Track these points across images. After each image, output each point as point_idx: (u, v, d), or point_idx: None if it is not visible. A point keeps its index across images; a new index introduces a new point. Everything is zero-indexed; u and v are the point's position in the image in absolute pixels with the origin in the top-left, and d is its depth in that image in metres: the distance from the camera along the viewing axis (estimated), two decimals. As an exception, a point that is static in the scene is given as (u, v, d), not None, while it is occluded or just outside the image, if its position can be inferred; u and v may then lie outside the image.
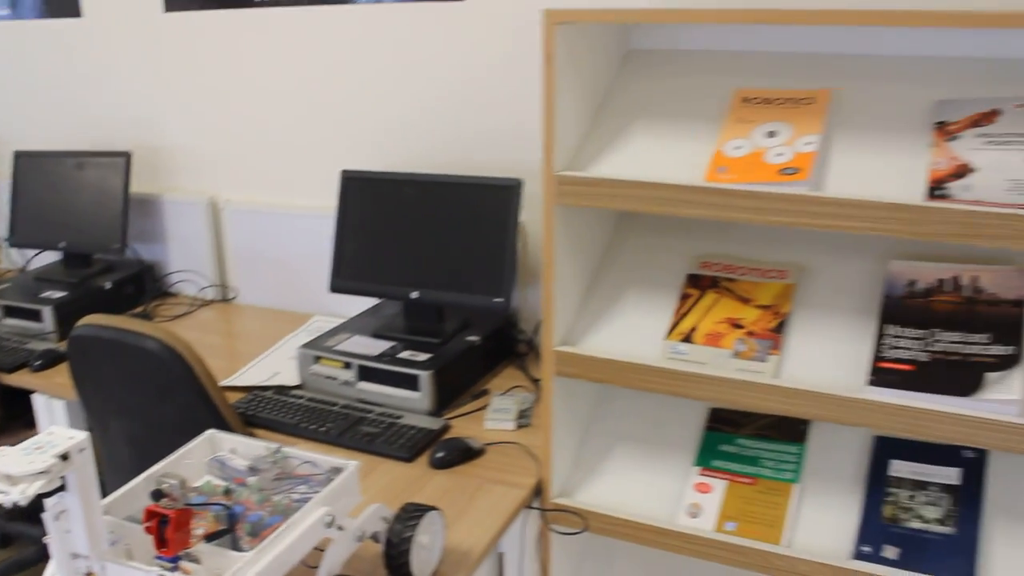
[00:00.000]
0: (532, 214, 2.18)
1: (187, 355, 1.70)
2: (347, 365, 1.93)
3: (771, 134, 1.48)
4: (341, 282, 2.15)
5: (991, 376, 1.39)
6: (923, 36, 1.57)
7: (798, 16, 1.35)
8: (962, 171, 1.37)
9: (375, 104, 2.33)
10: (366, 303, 2.28)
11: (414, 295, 2.05)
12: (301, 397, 1.93)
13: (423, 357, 1.91)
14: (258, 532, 1.22)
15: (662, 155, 1.54)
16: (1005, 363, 1.39)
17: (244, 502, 1.26)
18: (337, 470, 1.30)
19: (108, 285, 2.49)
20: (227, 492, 1.28)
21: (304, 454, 1.34)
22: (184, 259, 2.69)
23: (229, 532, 1.19)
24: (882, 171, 1.42)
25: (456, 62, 2.19)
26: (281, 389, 1.97)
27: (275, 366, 2.12)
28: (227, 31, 2.46)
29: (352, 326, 2.11)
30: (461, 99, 2.21)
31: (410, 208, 2.07)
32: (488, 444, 1.75)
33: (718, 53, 1.69)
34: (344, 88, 2.35)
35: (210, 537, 1.16)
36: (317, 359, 1.97)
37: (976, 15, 1.27)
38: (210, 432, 1.40)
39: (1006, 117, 1.42)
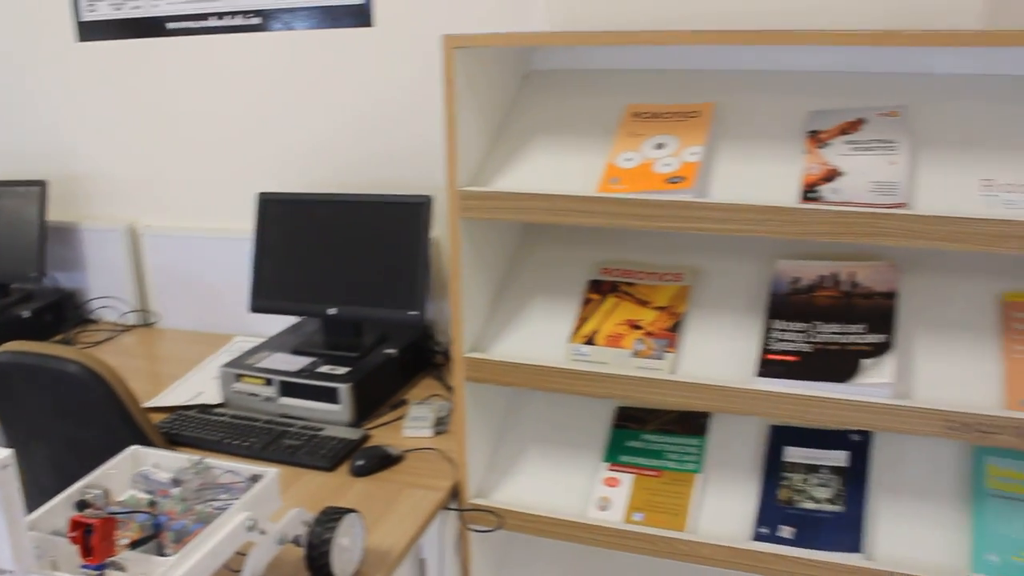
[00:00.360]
0: (444, 229, 2.26)
1: (109, 377, 1.74)
2: (268, 382, 1.98)
3: (659, 146, 1.58)
4: (261, 302, 2.20)
5: (866, 362, 1.50)
6: (797, 53, 1.70)
7: (684, 37, 1.46)
8: (832, 175, 1.49)
9: (289, 127, 2.39)
10: (286, 321, 2.33)
11: (332, 311, 2.11)
12: (224, 415, 1.97)
13: (342, 371, 1.97)
14: (182, 539, 1.26)
15: (560, 169, 1.63)
16: (878, 350, 1.51)
17: (168, 512, 1.31)
18: (257, 477, 1.36)
19: (27, 314, 2.50)
20: (151, 504, 1.32)
21: (226, 464, 1.39)
22: (104, 286, 2.70)
23: (154, 539, 1.23)
24: (761, 177, 1.53)
25: (367, 85, 2.27)
26: (204, 408, 2.01)
27: (198, 386, 2.16)
28: (141, 59, 2.50)
29: (273, 344, 2.16)
30: (372, 120, 2.29)
31: (326, 227, 2.13)
32: (407, 451, 1.82)
33: (612, 71, 1.79)
34: (259, 112, 2.41)
35: (135, 544, 1.21)
36: (239, 377, 2.01)
37: (843, 34, 1.39)
38: (133, 448, 1.44)
39: (870, 125, 1.55)
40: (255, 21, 2.33)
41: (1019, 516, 1.56)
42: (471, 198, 1.57)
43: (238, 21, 2.36)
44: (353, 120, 2.31)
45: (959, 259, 1.65)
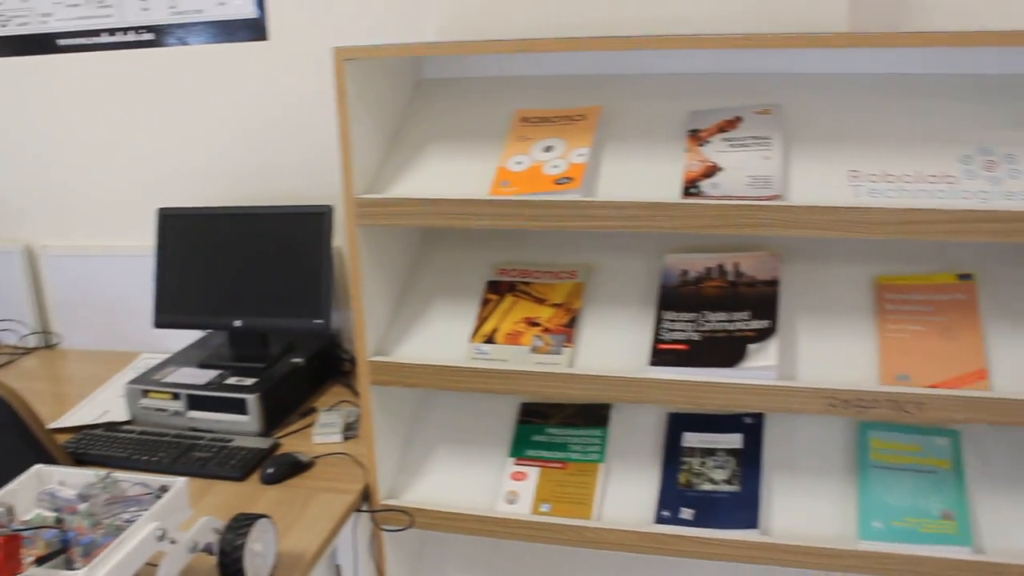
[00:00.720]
0: (345, 238, 2.29)
1: (10, 399, 1.72)
2: (175, 396, 1.98)
3: (548, 149, 1.65)
4: (165, 317, 2.20)
5: (752, 347, 1.59)
6: (677, 56, 1.78)
7: (569, 44, 1.52)
8: (711, 171, 1.57)
9: (188, 142, 2.38)
10: (192, 336, 2.33)
11: (237, 323, 2.12)
12: (132, 431, 1.96)
13: (250, 382, 1.98)
14: (91, 553, 1.27)
15: (454, 174, 1.68)
16: (763, 335, 1.60)
17: (76, 528, 1.31)
18: (166, 488, 1.37)
19: (-79, 341, 2.45)
20: (59, 521, 1.32)
21: (133, 476, 1.40)
22: (2, 309, 2.65)
23: (61, 554, 1.24)
24: (645, 175, 1.61)
25: (264, 98, 2.28)
26: (111, 425, 2.00)
27: (104, 405, 2.15)
28: (32, 77, 2.46)
29: (179, 359, 2.15)
30: (272, 133, 2.30)
31: (228, 241, 2.14)
32: (317, 457, 1.84)
33: (501, 78, 1.85)
34: (156, 128, 2.40)
35: (41, 560, 1.21)
36: (146, 393, 2.01)
37: (719, 38, 1.47)
38: (36, 467, 1.44)
39: (746, 123, 1.63)
40: (148, 37, 2.33)
41: (900, 484, 1.66)
42: (367, 205, 1.61)
43: (131, 37, 2.35)
44: (252, 133, 2.32)
45: (834, 246, 1.75)
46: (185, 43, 2.30)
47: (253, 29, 2.23)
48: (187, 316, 2.18)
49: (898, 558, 1.57)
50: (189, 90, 2.34)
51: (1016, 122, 1.58)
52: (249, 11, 2.22)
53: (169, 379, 2.03)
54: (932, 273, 1.68)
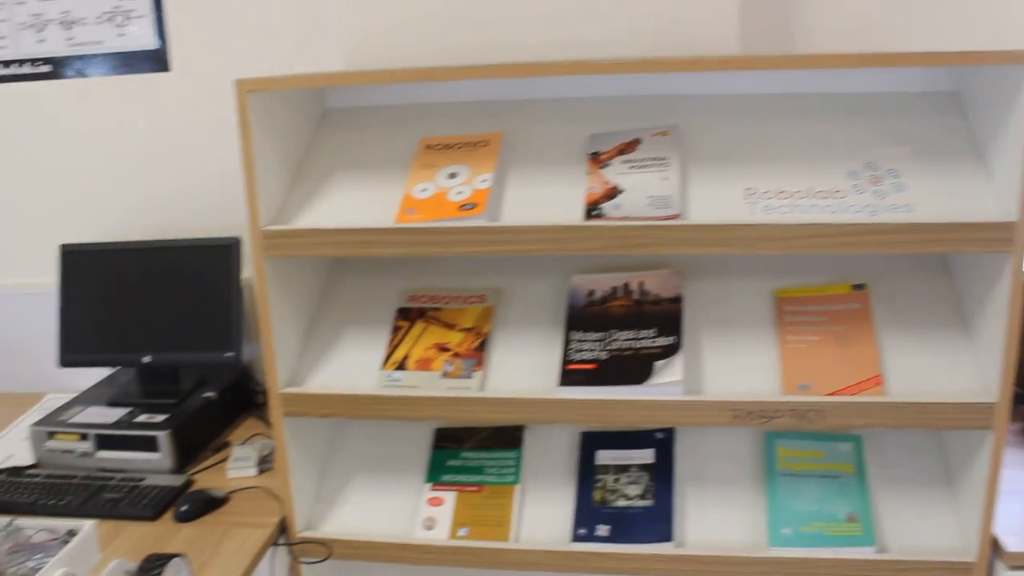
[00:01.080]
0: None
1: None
2: (84, 436, 1.94)
3: (452, 175, 1.67)
4: (71, 356, 2.16)
5: (658, 364, 1.63)
6: (577, 81, 1.82)
7: (471, 72, 1.55)
8: (612, 193, 1.60)
9: (90, 176, 2.34)
10: (100, 374, 2.28)
11: (147, 359, 2.09)
12: (37, 475, 1.91)
13: (161, 418, 1.95)
14: (-7, 605, 1.25)
15: (360, 203, 1.69)
16: (668, 351, 1.64)
17: (-24, 579, 1.28)
18: (73, 532, 1.35)
19: None
20: (-43, 573, 1.30)
21: (38, 522, 1.37)
22: None
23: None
24: (548, 199, 1.64)
25: (168, 130, 2.26)
26: (15, 471, 1.95)
27: (7, 450, 2.09)
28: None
29: (86, 398, 2.11)
30: (177, 164, 2.28)
31: (134, 276, 2.11)
32: (232, 492, 1.82)
33: (405, 106, 1.87)
34: (56, 162, 2.36)
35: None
36: (52, 435, 1.96)
37: (616, 63, 1.52)
38: (-67, 519, 1.40)
39: (645, 145, 1.68)
40: (45, 69, 2.29)
41: (806, 491, 1.71)
42: (274, 237, 1.61)
43: (27, 69, 2.30)
44: (157, 165, 2.30)
45: (734, 262, 1.81)
46: (84, 75, 2.26)
47: (155, 60, 2.21)
48: (94, 354, 2.14)
49: (807, 562, 1.62)
50: (90, 122, 2.30)
51: (898, 138, 1.65)
52: (150, 42, 2.20)
53: (76, 419, 1.99)
54: (828, 285, 1.75)
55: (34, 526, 1.38)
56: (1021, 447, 1.90)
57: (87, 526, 1.35)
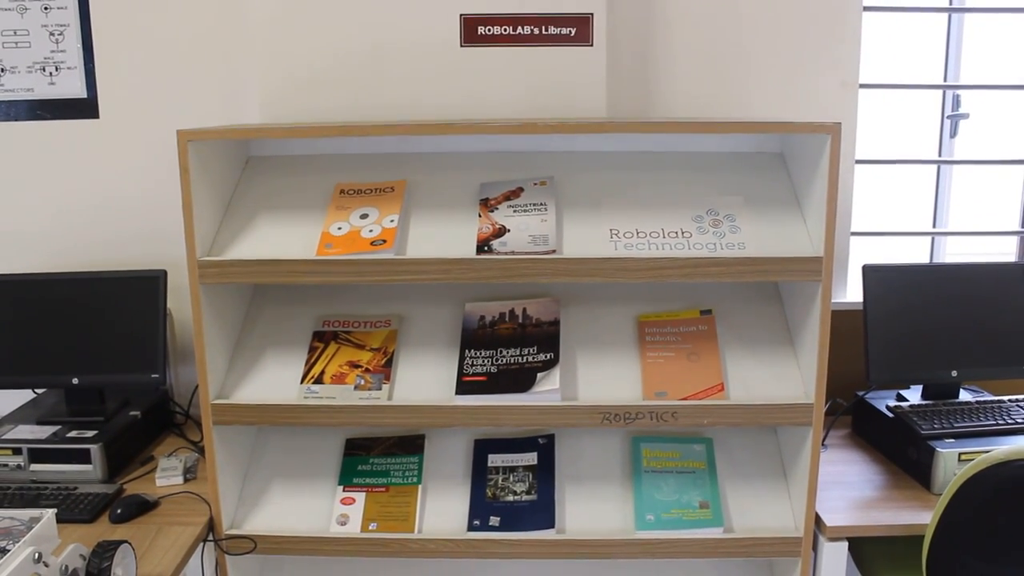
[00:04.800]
0: (177, 302, 2.49)
1: None
2: (16, 451, 2.11)
3: (364, 216, 1.94)
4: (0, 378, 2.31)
5: (540, 375, 1.92)
6: (470, 138, 2.12)
7: (380, 129, 1.83)
8: (500, 232, 1.90)
9: (19, 214, 2.50)
10: (23, 398, 2.43)
11: (75, 381, 2.27)
12: (-28, 489, 2.07)
13: (91, 433, 2.13)
14: (-31, 582, 1.43)
15: (282, 239, 1.94)
16: (548, 365, 1.93)
17: (-50, 564, 1.46)
18: (36, 519, 1.54)
19: None
20: (-68, 559, 1.47)
21: (1, 512, 1.56)
22: None
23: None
24: (446, 237, 1.93)
25: (97, 171, 2.45)
26: (-50, 485, 2.10)
27: (-61, 467, 2.22)
28: None
29: (14, 418, 2.27)
30: (105, 204, 2.47)
31: (65, 303, 2.29)
32: (162, 497, 2.03)
33: (322, 156, 2.13)
34: (-17, 201, 2.51)
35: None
36: (-15, 451, 2.12)
37: (501, 126, 1.82)
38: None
39: (527, 192, 1.99)
40: (-25, 113, 2.46)
41: (666, 484, 2.02)
42: (209, 266, 1.84)
43: (-45, 114, 2.47)
44: (85, 205, 2.48)
45: (603, 290, 2.13)
46: (14, 119, 2.44)
47: (84, 108, 2.41)
48: (22, 377, 2.30)
49: (667, 542, 1.93)
50: (20, 164, 2.47)
51: (734, 189, 2.01)
52: (80, 91, 2.41)
53: (8, 436, 2.15)
54: (681, 310, 2.08)
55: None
56: (844, 449, 2.27)
57: (48, 513, 1.55)
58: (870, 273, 2.23)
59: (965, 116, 2.87)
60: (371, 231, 1.90)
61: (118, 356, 2.27)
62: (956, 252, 2.99)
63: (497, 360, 1.96)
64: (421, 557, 1.97)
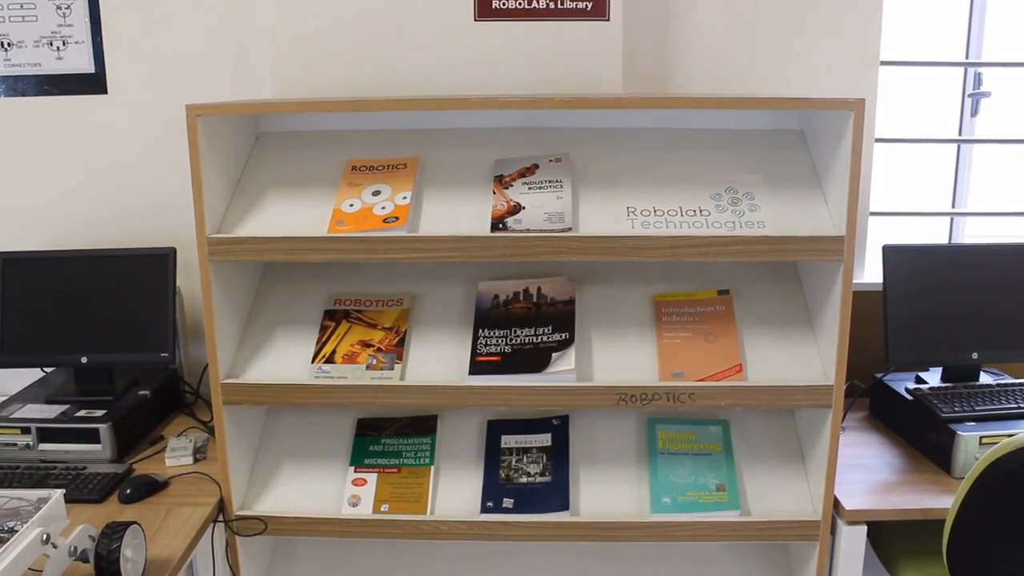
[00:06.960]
0: (186, 280, 2.47)
1: None
2: (25, 430, 2.09)
3: (376, 193, 1.91)
4: (7, 357, 2.29)
5: (555, 355, 1.89)
6: (484, 114, 2.08)
7: (392, 104, 1.79)
8: (515, 209, 1.87)
9: (28, 189, 2.48)
10: (32, 376, 2.42)
11: (84, 360, 2.25)
12: (-20, 467, 2.06)
13: (100, 413, 2.12)
14: (-23, 562, 1.41)
15: (293, 216, 1.91)
16: (563, 345, 1.90)
17: (-42, 543, 1.44)
18: (44, 500, 1.52)
19: None
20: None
21: (9, 492, 1.54)
22: None
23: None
24: (460, 214, 1.89)
25: (106, 147, 2.43)
26: (-41, 464, 2.08)
27: (-53, 446, 2.21)
28: None
29: (23, 397, 2.25)
30: (114, 180, 2.45)
31: (74, 282, 2.27)
32: (172, 477, 2.01)
33: (333, 132, 2.10)
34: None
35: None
36: (-7, 430, 2.11)
37: (516, 100, 1.78)
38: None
39: (543, 169, 1.95)
40: (-17, 88, 2.43)
41: (682, 466, 2.00)
42: (219, 243, 1.82)
43: (-38, 89, 2.44)
44: (94, 181, 2.46)
45: (619, 269, 2.09)
46: (23, 94, 2.41)
47: (92, 83, 2.38)
48: (32, 355, 2.28)
49: (683, 525, 1.90)
50: (28, 139, 2.45)
51: (753, 168, 1.97)
52: (87, 67, 2.38)
53: (16, 415, 2.14)
54: (698, 290, 2.05)
55: (7, 495, 1.54)
56: (862, 432, 2.24)
57: (57, 494, 1.53)
58: (890, 253, 2.19)
59: (987, 95, 2.82)
60: (383, 208, 1.87)
61: (127, 335, 2.25)
62: (973, 234, 2.95)
63: (511, 340, 1.93)
64: (433, 539, 1.95)
